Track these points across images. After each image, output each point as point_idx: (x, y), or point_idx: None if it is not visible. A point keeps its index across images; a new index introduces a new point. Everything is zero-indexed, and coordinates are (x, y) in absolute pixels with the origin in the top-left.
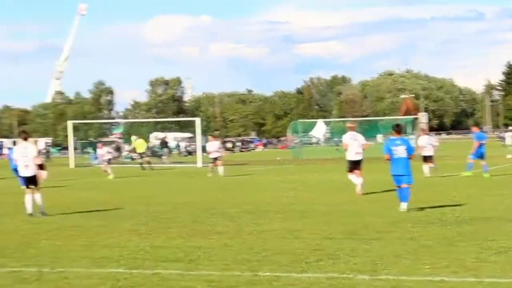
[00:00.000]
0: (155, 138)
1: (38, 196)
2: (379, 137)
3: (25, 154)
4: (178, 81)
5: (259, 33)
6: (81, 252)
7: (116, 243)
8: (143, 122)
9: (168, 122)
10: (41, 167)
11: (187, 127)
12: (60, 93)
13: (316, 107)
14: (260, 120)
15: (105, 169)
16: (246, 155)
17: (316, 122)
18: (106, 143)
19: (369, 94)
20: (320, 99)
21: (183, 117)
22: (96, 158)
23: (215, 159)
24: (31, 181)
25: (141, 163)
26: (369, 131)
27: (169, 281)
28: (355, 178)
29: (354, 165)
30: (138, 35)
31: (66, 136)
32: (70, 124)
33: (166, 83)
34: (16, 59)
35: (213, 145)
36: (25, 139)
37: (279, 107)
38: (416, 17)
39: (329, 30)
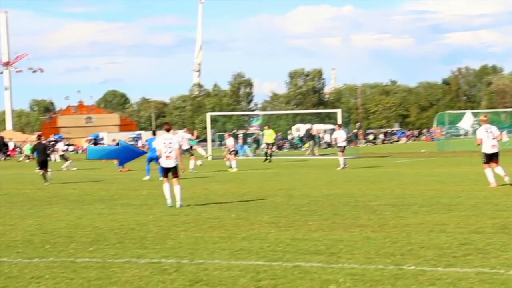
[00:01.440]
0: (296, 130)
1: (178, 188)
2: None
3: (168, 145)
4: (319, 73)
5: (405, 23)
6: (220, 244)
7: (256, 235)
8: (282, 114)
9: (307, 114)
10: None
11: (328, 119)
12: (198, 85)
13: (464, 98)
14: (404, 112)
15: (228, 160)
16: (389, 147)
17: (464, 113)
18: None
19: None
20: (468, 90)
21: (323, 109)
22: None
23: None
24: (172, 172)
25: (266, 153)
26: None
27: (310, 274)
28: (494, 171)
29: (491, 158)
30: (279, 27)
31: (204, 128)
32: (208, 116)
33: (306, 74)
34: (154, 52)
35: (340, 134)
36: (168, 130)
37: (424, 98)
38: None
39: (481, 18)
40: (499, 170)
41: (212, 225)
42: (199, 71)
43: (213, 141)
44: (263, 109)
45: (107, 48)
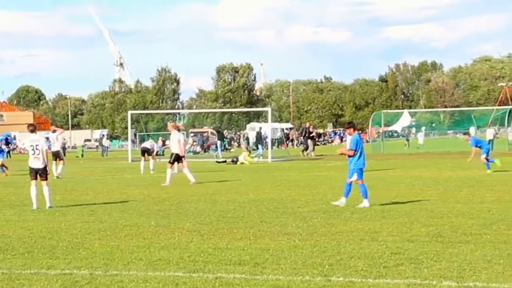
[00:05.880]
0: (250, 129)
1: (46, 189)
2: (472, 130)
3: (36, 147)
4: (248, 68)
5: (343, 15)
6: (137, 253)
7: (176, 244)
8: (209, 113)
9: (235, 112)
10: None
11: (257, 118)
12: (119, 81)
13: (401, 96)
14: (338, 111)
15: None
16: (322, 148)
17: (401, 112)
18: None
19: (462, 82)
20: (406, 88)
21: (253, 107)
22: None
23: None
24: (40, 174)
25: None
26: (460, 123)
27: (232, 286)
28: None
29: None
30: (208, 18)
31: (125, 128)
32: (129, 114)
33: (235, 70)
34: (74, 44)
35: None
36: (32, 131)
37: (359, 96)
38: None
39: (424, 11)
40: None
41: (130, 233)
42: (121, 65)
43: (133, 141)
44: (189, 107)
45: (23, 39)
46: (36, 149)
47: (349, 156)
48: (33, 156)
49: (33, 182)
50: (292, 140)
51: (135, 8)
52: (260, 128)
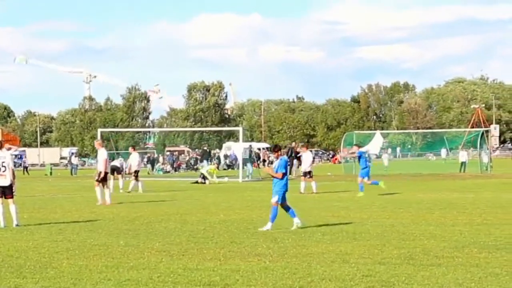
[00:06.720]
0: (226, 148)
1: (13, 207)
2: (444, 152)
3: (1, 164)
4: (219, 87)
5: (316, 34)
6: (106, 273)
7: (145, 264)
8: (179, 132)
9: (207, 132)
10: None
11: (228, 137)
12: (89, 98)
13: (374, 117)
14: (310, 131)
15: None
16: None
17: (373, 133)
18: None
19: (435, 104)
20: (379, 108)
21: (225, 126)
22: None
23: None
24: (7, 191)
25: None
26: (433, 144)
27: None
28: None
29: None
30: (180, 36)
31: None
32: (99, 132)
33: (207, 88)
34: (44, 60)
35: (307, 157)
36: (0, 147)
37: (331, 117)
38: (494, 18)
39: (396, 31)
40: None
41: (98, 253)
42: (90, 82)
43: None
44: (160, 125)
45: None
46: (2, 166)
47: (275, 178)
48: None
49: None
50: (264, 161)
51: (108, 25)
52: (250, 146)
